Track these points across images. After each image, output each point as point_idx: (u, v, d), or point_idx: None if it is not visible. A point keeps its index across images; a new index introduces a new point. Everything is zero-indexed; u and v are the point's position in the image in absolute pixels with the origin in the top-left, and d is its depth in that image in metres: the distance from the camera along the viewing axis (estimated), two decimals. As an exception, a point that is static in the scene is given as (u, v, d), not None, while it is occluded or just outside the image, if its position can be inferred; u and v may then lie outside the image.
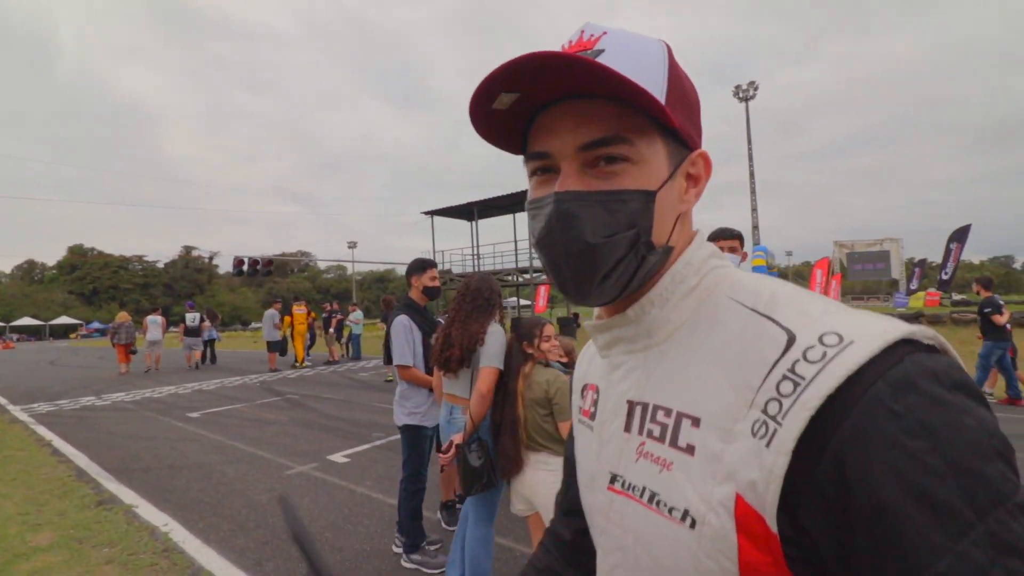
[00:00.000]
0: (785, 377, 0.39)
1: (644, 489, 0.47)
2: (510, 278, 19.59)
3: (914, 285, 26.94)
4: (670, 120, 0.46)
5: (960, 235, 16.35)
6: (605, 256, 0.47)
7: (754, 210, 46.25)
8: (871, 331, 0.38)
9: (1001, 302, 6.75)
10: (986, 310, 6.67)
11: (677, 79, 0.49)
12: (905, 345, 0.37)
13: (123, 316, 13.13)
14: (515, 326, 2.42)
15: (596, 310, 0.56)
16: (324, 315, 13.90)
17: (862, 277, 30.05)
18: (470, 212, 20.30)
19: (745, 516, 0.39)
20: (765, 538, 0.39)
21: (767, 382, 0.40)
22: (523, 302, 17.70)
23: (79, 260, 79.66)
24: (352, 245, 54.41)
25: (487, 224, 22.17)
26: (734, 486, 0.40)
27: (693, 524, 0.42)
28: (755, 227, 45.94)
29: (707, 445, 0.42)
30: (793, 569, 0.39)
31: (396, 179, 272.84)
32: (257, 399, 8.50)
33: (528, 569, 0.70)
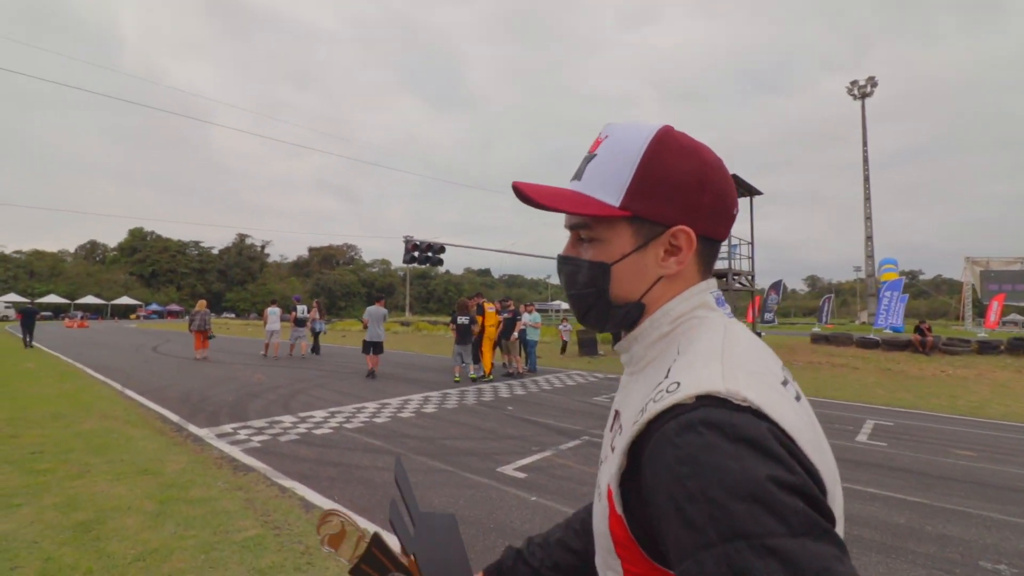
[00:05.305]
0: (645, 406, 0.52)
1: (601, 472, 0.62)
2: (738, 281, 15.46)
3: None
4: (623, 213, 0.60)
5: None
6: (578, 302, 0.65)
7: (868, 218, 41.46)
8: (695, 384, 0.50)
9: None
10: None
11: (654, 170, 0.59)
12: (711, 400, 0.48)
13: (201, 304, 13.68)
14: None
15: None
16: (505, 316, 11.23)
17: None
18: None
19: (610, 497, 0.55)
20: (617, 516, 0.55)
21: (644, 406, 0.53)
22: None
23: (140, 243, 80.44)
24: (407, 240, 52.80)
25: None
26: (610, 474, 0.55)
27: (599, 498, 0.60)
28: (868, 237, 41.26)
29: (617, 443, 0.57)
30: (640, 543, 0.53)
31: (430, 178, 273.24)
32: (550, 442, 5.74)
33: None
